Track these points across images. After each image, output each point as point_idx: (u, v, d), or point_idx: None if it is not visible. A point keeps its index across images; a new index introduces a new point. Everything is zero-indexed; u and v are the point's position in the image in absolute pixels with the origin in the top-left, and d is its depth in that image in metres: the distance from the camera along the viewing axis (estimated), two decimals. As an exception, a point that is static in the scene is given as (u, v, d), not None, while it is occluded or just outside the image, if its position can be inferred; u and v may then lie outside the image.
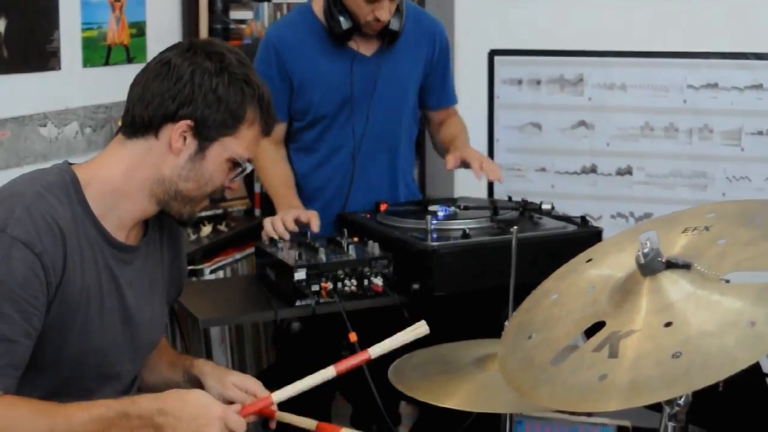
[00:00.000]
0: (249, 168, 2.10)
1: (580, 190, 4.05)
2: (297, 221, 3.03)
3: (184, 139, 2.02)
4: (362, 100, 3.25)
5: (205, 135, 2.02)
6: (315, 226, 3.03)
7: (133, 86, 2.06)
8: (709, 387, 1.45)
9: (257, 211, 4.27)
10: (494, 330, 2.13)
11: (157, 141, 2.03)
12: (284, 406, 2.19)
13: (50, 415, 1.89)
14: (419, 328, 2.16)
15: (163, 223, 2.22)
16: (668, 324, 1.55)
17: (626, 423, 3.27)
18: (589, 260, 1.85)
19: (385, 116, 3.31)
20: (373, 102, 3.26)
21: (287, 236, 2.99)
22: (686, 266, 1.62)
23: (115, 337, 2.09)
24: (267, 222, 3.05)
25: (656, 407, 1.63)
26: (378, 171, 3.36)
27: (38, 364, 1.96)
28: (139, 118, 2.02)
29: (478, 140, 4.08)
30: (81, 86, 3.67)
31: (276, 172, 3.25)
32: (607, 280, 1.73)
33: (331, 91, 3.23)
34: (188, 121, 2.00)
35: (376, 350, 2.15)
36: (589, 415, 3.39)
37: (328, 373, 2.13)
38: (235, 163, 2.08)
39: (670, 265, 1.63)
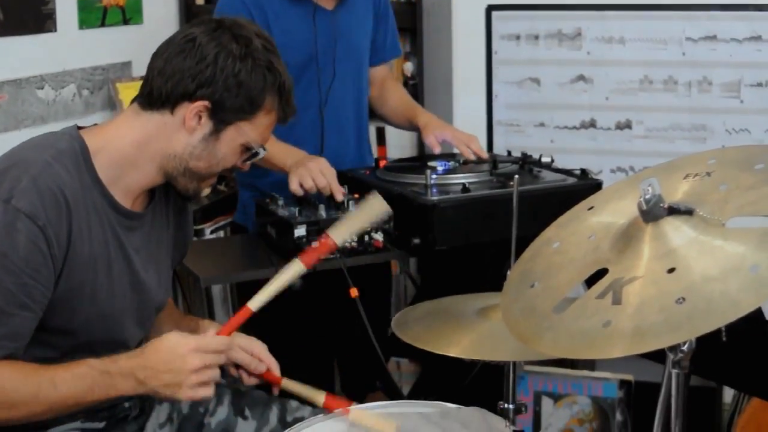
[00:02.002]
0: (262, 153, 2.10)
1: (579, 144, 4.03)
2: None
3: (199, 118, 2.02)
4: (326, 56, 3.18)
5: (221, 117, 2.02)
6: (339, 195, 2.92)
7: (155, 57, 2.05)
8: (712, 337, 1.45)
9: (256, 172, 4.25)
10: (496, 284, 2.12)
11: (172, 117, 2.03)
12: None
13: (35, 379, 1.91)
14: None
15: (170, 189, 2.21)
16: (671, 270, 1.55)
17: (629, 377, 3.29)
18: (591, 208, 1.84)
19: (348, 73, 3.25)
20: (336, 57, 3.20)
21: (314, 190, 2.91)
22: (688, 212, 1.62)
23: (124, 303, 2.10)
24: (294, 180, 2.94)
25: (658, 357, 1.63)
26: (347, 131, 3.30)
27: (50, 329, 1.97)
28: (157, 92, 2.02)
29: (476, 96, 4.07)
30: (77, 48, 3.66)
31: None
32: (609, 228, 1.72)
33: (298, 46, 3.13)
34: (205, 102, 2.00)
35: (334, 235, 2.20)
36: (592, 368, 3.41)
37: (297, 266, 2.17)
38: (248, 147, 2.08)
39: (672, 211, 1.62)
